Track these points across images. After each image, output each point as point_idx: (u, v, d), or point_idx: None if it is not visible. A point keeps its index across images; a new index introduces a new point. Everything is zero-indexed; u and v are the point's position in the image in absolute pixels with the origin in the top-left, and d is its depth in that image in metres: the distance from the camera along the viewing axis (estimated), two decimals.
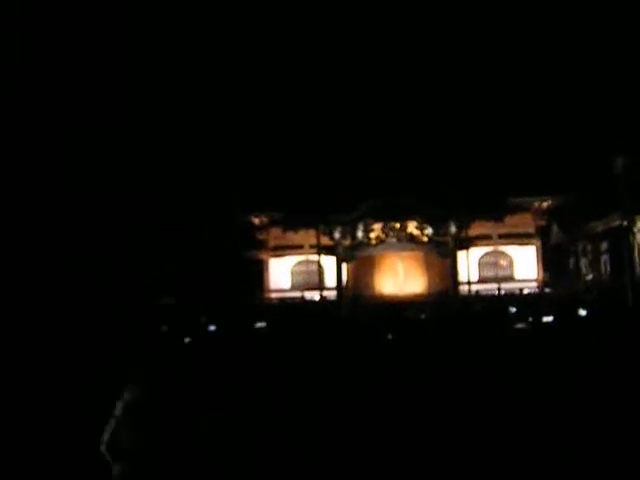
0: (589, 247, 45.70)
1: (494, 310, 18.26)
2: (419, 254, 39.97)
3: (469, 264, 39.29)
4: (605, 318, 12.65)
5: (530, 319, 13.53)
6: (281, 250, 42.01)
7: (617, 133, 41.70)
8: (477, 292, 37.87)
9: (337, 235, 38.83)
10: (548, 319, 12.72)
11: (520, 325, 13.42)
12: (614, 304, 17.05)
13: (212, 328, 15.52)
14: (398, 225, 38.34)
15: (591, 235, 43.67)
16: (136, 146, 30.14)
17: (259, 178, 42.68)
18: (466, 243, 38.99)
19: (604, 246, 44.56)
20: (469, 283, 38.62)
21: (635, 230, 36.59)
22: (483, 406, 6.56)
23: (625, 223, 28.43)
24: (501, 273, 40.65)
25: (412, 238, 38.58)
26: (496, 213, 39.83)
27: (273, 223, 41.00)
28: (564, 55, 66.26)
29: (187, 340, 16.13)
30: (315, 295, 38.80)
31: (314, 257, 40.34)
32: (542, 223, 41.56)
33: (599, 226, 41.18)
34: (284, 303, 37.50)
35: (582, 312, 12.62)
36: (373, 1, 55.44)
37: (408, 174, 37.84)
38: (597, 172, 30.84)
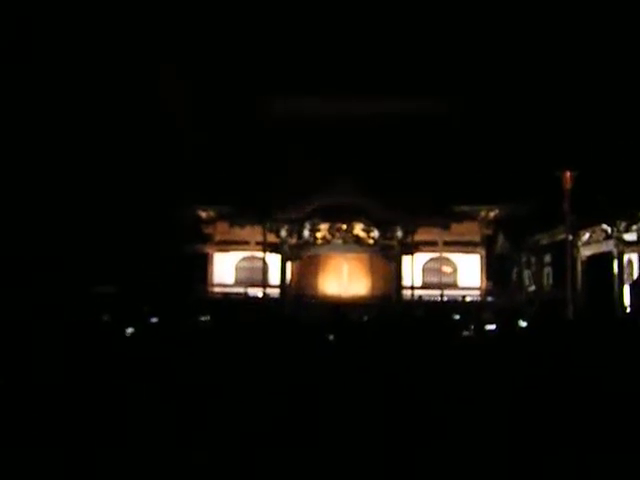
0: (533, 259, 46.24)
1: (437, 316, 18.19)
2: (364, 257, 39.97)
3: (413, 269, 39.38)
4: (543, 330, 12.66)
5: (472, 327, 13.55)
6: (226, 245, 41.70)
7: (566, 146, 42.25)
8: (420, 297, 37.98)
9: (283, 233, 38.61)
10: (491, 327, 12.71)
11: (465, 333, 13.47)
12: (554, 317, 17.14)
13: (154, 320, 15.11)
14: (345, 226, 38.25)
15: (536, 247, 44.15)
16: (77, 132, 29.53)
17: (208, 171, 42.28)
18: (412, 248, 39.08)
19: (548, 259, 45.14)
20: (412, 288, 38.69)
21: (579, 244, 37.06)
22: (420, 412, 6.34)
23: (570, 237, 28.66)
24: (445, 280, 40.81)
25: (358, 240, 38.53)
26: (443, 220, 40.05)
27: (220, 217, 40.65)
28: (515, 64, 66.98)
29: (128, 331, 15.78)
30: (258, 292, 38.58)
31: (259, 254, 40.12)
32: (488, 232, 41.87)
33: (544, 239, 41.64)
34: (227, 298, 37.17)
35: (522, 323, 12.64)
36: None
37: (357, 176, 37.79)
38: (545, 184, 31.06)
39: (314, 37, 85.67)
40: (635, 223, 33.69)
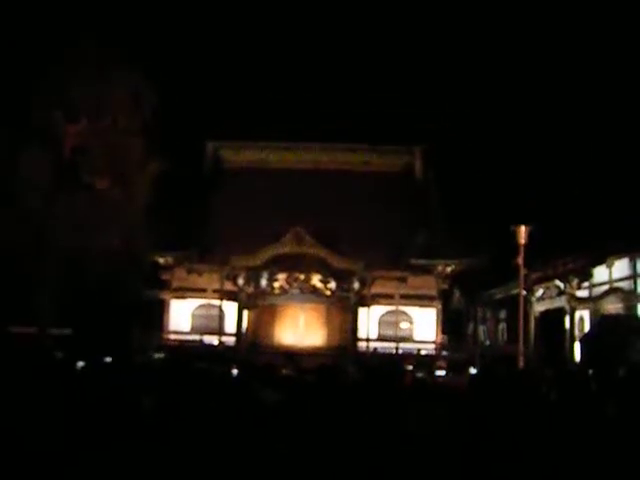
0: (488, 314, 46.81)
1: (390, 365, 18.33)
2: (321, 307, 40.11)
3: (369, 321, 39.55)
4: (491, 377, 12.89)
5: (423, 374, 13.81)
6: (183, 292, 41.61)
7: (520, 201, 43.06)
8: (375, 349, 38.08)
9: (241, 281, 38.65)
10: (440, 373, 12.95)
11: (419, 375, 13.82)
12: (504, 366, 17.40)
13: (107, 359, 15.07)
14: (302, 276, 38.41)
15: (491, 302, 44.73)
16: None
17: (165, 218, 42.35)
18: (368, 300, 39.31)
19: (502, 314, 45.71)
20: (368, 340, 38.82)
21: (533, 300, 37.62)
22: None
23: (523, 292, 29.10)
24: (400, 333, 40.99)
25: (315, 291, 38.68)
26: (400, 273, 40.42)
27: (178, 264, 40.64)
28: (472, 121, 68.43)
29: (79, 367, 15.65)
30: (214, 340, 38.42)
31: (216, 302, 40.08)
32: (444, 287, 42.25)
33: (499, 293, 42.22)
34: (182, 345, 36.97)
35: (472, 370, 12.89)
36: None
37: (314, 226, 38.09)
38: (499, 239, 31.61)
39: (274, 87, 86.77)
40: (587, 280, 34.38)
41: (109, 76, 30.61)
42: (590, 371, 20.36)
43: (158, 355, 19.03)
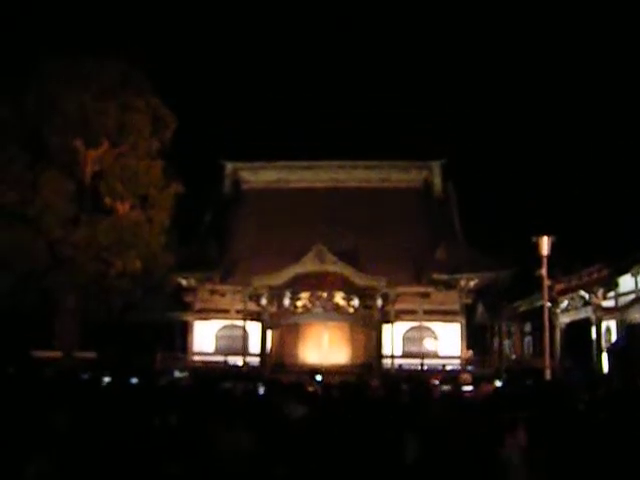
0: (513, 327, 46.47)
1: (417, 381, 18.26)
2: (344, 325, 39.93)
3: (394, 338, 39.34)
4: (517, 390, 12.82)
5: (450, 387, 13.75)
6: (207, 313, 41.64)
7: (541, 212, 42.84)
8: (400, 366, 37.85)
9: (264, 301, 38.60)
10: (468, 388, 12.86)
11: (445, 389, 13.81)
12: (529, 379, 17.27)
13: (134, 380, 15.16)
14: (325, 295, 38.29)
15: (515, 315, 44.39)
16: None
17: (192, 238, 42.57)
18: (392, 317, 39.12)
19: (527, 327, 45.37)
20: (392, 357, 38.60)
21: (557, 311, 37.32)
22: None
23: (548, 304, 28.88)
24: (425, 348, 40.76)
25: (338, 309, 38.51)
26: (423, 288, 40.26)
27: (200, 285, 40.73)
28: (491, 134, 68.28)
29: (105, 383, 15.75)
30: (238, 360, 38.39)
31: (239, 322, 40.07)
32: (467, 301, 41.99)
33: (523, 306, 41.90)
34: (207, 365, 36.97)
35: (498, 383, 12.83)
36: None
37: (336, 244, 38.07)
38: (522, 251, 31.43)
39: (292, 106, 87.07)
40: (612, 290, 34.05)
41: (129, 100, 30.92)
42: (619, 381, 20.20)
43: (183, 375, 19.02)
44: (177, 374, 19.52)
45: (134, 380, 14.53)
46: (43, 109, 30.02)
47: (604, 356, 33.24)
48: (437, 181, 48.26)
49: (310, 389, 10.96)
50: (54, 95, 29.95)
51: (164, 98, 32.41)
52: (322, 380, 15.55)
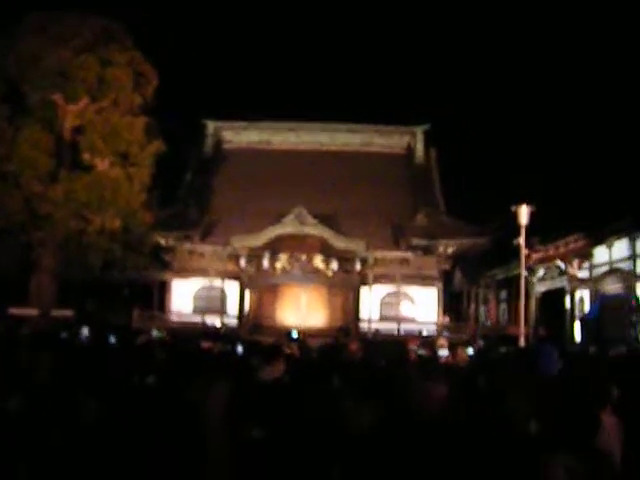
0: (489, 295, 46.88)
1: (393, 343, 18.46)
2: (323, 288, 40.10)
3: (371, 302, 39.61)
4: (488, 357, 12.99)
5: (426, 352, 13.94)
6: (185, 273, 41.59)
7: (521, 181, 43.04)
8: (377, 330, 38.13)
9: (242, 262, 38.66)
10: (442, 352, 13.05)
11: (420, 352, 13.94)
12: (503, 347, 17.45)
13: (112, 339, 15.19)
14: (304, 257, 38.39)
15: (492, 283, 44.77)
16: None
17: (171, 197, 42.43)
18: (370, 281, 39.35)
19: (503, 294, 45.80)
20: (370, 320, 38.89)
21: (534, 280, 37.66)
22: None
23: (525, 273, 29.12)
24: (402, 313, 41.08)
25: (317, 271, 38.66)
26: (401, 253, 40.47)
27: (179, 244, 40.62)
28: (472, 101, 68.34)
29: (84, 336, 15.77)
30: (216, 321, 38.52)
31: (218, 282, 40.16)
32: (445, 267, 42.29)
33: (500, 274, 42.25)
34: (185, 325, 37.00)
35: (470, 350, 13.05)
36: None
37: (316, 207, 38.11)
38: (501, 220, 31.63)
39: (276, 67, 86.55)
40: (587, 261, 34.39)
41: (110, 55, 30.56)
42: (591, 349, 20.50)
43: (160, 335, 19.07)
44: (155, 333, 19.54)
45: (112, 338, 14.56)
46: (23, 65, 29.64)
47: (577, 325, 33.65)
48: (419, 147, 48.30)
49: (287, 351, 11.04)
50: (34, 51, 29.58)
51: (146, 54, 32.05)
52: (300, 342, 15.63)
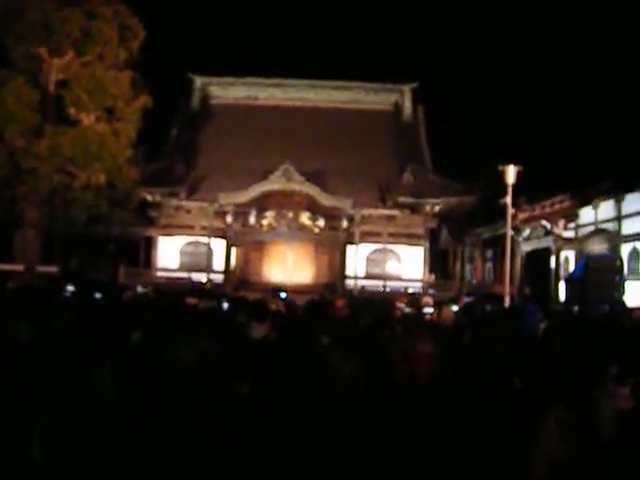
0: (475, 253, 47.05)
1: (379, 300, 18.58)
2: (309, 245, 40.12)
3: (357, 259, 39.71)
4: (473, 315, 13.07)
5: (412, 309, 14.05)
6: (171, 229, 41.51)
7: (508, 141, 43.02)
8: (363, 287, 38.28)
9: (229, 218, 38.60)
10: (428, 310, 13.14)
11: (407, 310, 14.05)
12: (488, 305, 17.53)
13: (97, 295, 15.15)
14: (291, 214, 38.37)
15: (478, 242, 44.92)
16: None
17: (158, 153, 42.17)
18: (356, 238, 39.39)
19: (489, 254, 45.98)
20: (356, 278, 39.02)
21: (520, 240, 37.79)
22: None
23: (511, 232, 29.18)
24: (388, 271, 41.22)
25: (303, 228, 38.68)
26: (388, 211, 40.49)
27: (165, 200, 40.44)
28: (460, 60, 67.98)
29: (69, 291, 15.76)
30: (202, 277, 38.56)
31: (204, 239, 40.12)
32: (432, 226, 42.40)
33: (486, 233, 42.37)
34: (170, 281, 36.96)
35: (454, 308, 13.11)
36: None
37: (303, 164, 38.00)
38: (488, 179, 31.63)
39: (264, 22, 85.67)
40: (573, 221, 34.53)
41: (95, 8, 30.09)
42: (575, 309, 20.66)
43: (146, 290, 19.08)
44: (140, 289, 19.54)
45: (97, 294, 14.52)
46: (6, 18, 29.17)
47: (562, 285, 33.85)
48: (407, 105, 48.08)
49: (274, 307, 11.06)
50: (18, 3, 29.11)
51: (132, 6, 31.57)
52: (286, 298, 15.68)
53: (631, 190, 29.61)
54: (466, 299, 26.82)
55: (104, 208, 30.95)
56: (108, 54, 30.51)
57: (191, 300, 13.22)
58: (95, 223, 32.34)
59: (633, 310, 18.53)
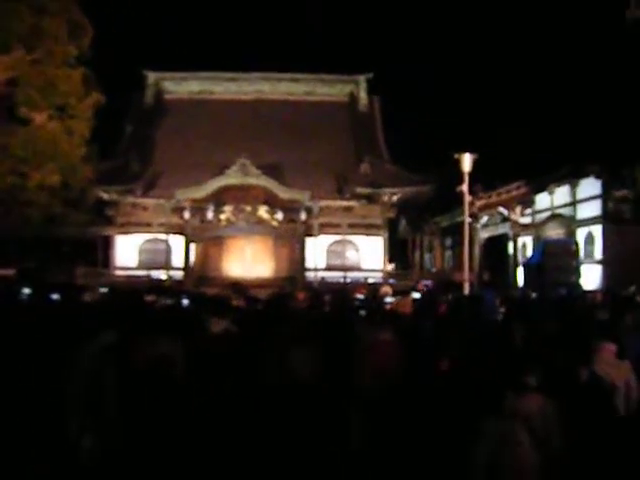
0: (434, 242, 47.38)
1: (339, 292, 18.59)
2: (268, 238, 40.05)
3: (317, 251, 39.72)
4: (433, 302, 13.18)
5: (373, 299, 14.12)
6: (129, 227, 41.14)
7: (464, 129, 43.30)
8: (323, 279, 38.31)
9: (187, 214, 38.38)
10: (387, 300, 13.18)
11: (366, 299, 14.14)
12: (449, 293, 17.69)
13: (55, 296, 14.93)
14: (249, 208, 38.26)
15: (437, 230, 45.24)
16: None
17: (112, 150, 41.71)
18: (315, 230, 39.38)
19: (448, 241, 46.34)
20: (316, 270, 39.05)
21: (477, 227, 38.13)
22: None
23: (468, 219, 29.41)
24: (348, 262, 41.32)
25: (262, 222, 38.61)
26: (346, 202, 40.55)
27: (122, 198, 40.05)
28: (416, 49, 68.18)
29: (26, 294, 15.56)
30: (161, 274, 38.30)
31: (163, 236, 39.85)
32: (390, 216, 42.53)
33: (444, 221, 42.68)
34: (130, 280, 36.62)
35: (415, 295, 13.19)
36: None
37: (259, 157, 37.91)
38: (444, 168, 31.80)
39: (216, 16, 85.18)
40: (529, 207, 34.94)
41: (43, 3, 29.58)
42: (533, 294, 20.88)
43: (105, 291, 18.86)
44: (102, 290, 19.31)
45: (55, 296, 14.33)
46: None
47: (519, 270, 34.24)
48: (363, 95, 48.12)
49: (234, 302, 11.02)
50: None
51: (81, 2, 31.09)
52: (245, 293, 15.62)
53: (585, 175, 30.06)
54: (425, 282, 27.08)
55: (59, 209, 30.54)
56: (58, 51, 30.00)
57: (149, 298, 13.14)
58: (51, 224, 31.90)
59: (589, 293, 18.83)
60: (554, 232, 32.67)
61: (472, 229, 35.16)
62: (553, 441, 4.90)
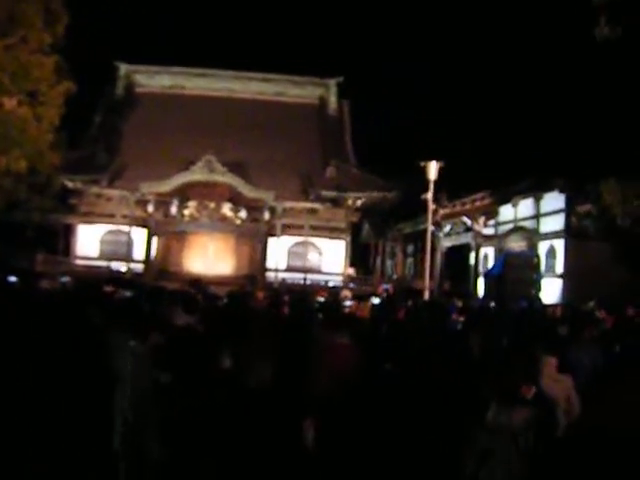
0: (396, 248, 47.62)
1: (298, 294, 18.67)
2: (231, 236, 40.06)
3: (279, 251, 39.77)
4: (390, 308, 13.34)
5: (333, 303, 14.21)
6: (92, 217, 40.83)
7: (430, 137, 43.63)
8: (284, 279, 38.38)
9: (150, 208, 38.26)
10: (347, 303, 13.30)
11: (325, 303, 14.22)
12: (408, 300, 17.83)
13: (13, 279, 14.87)
14: (213, 205, 38.25)
15: (399, 237, 45.48)
16: None
17: (81, 140, 41.34)
18: (278, 230, 39.44)
19: (410, 249, 46.60)
20: (277, 270, 39.10)
21: (440, 235, 38.41)
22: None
23: (432, 228, 29.67)
24: (309, 264, 41.42)
25: (225, 220, 38.62)
26: (310, 204, 40.63)
27: (87, 188, 39.73)
28: (384, 54, 68.51)
29: None
30: (122, 266, 38.10)
31: (125, 228, 39.64)
32: (354, 220, 42.73)
33: (407, 228, 42.93)
34: (89, 270, 36.36)
35: (375, 300, 13.32)
36: None
37: (225, 154, 37.87)
38: (410, 175, 32.03)
39: (191, 11, 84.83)
40: (493, 218, 35.27)
41: None
42: (492, 304, 21.13)
43: (64, 280, 18.76)
44: (63, 279, 19.21)
45: (12, 279, 14.26)
46: None
47: (480, 280, 34.55)
48: (332, 99, 48.30)
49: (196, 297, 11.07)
50: None
51: None
52: (206, 289, 15.65)
53: (550, 189, 30.40)
54: (384, 286, 27.23)
55: (23, 194, 30.28)
56: (32, 38, 29.74)
57: (108, 288, 13.14)
58: (14, 209, 31.60)
59: (548, 307, 19.09)
60: (516, 244, 33.00)
61: (435, 237, 35.42)
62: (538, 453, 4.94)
